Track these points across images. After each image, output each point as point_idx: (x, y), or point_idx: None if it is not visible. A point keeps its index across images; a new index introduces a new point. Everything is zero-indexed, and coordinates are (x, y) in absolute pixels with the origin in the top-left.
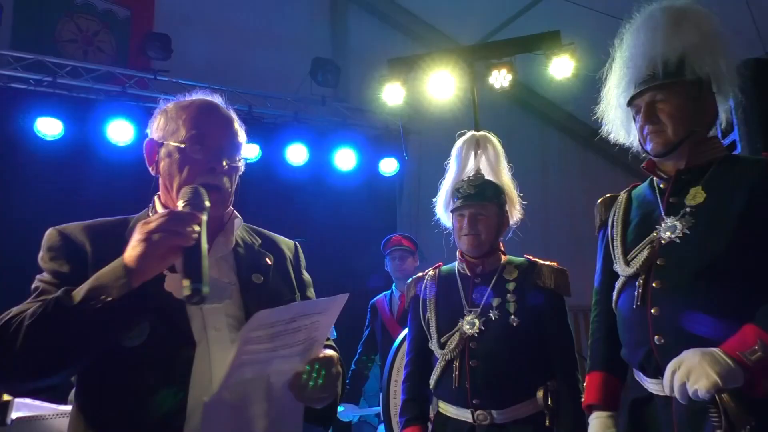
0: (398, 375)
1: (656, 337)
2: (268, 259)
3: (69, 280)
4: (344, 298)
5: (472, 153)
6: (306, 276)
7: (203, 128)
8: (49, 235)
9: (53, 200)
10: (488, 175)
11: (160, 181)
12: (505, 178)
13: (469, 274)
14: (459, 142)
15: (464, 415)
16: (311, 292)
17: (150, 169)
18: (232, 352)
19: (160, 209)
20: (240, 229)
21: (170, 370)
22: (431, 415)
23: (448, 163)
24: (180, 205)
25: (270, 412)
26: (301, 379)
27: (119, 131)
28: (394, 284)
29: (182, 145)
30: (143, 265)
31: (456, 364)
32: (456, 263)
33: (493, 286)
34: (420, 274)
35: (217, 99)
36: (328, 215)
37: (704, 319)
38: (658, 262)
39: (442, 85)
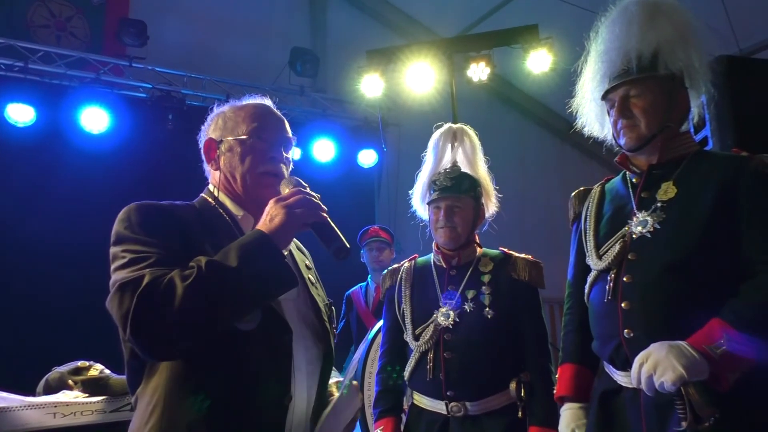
0: (372, 367)
1: (626, 330)
2: (308, 261)
3: (180, 252)
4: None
5: (449, 145)
6: None
7: (263, 122)
8: (138, 208)
9: (25, 188)
10: (465, 168)
11: (219, 175)
12: (482, 171)
13: (444, 266)
14: (436, 134)
15: (438, 406)
16: None
17: (209, 166)
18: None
19: (227, 202)
20: None
21: (275, 354)
22: (405, 406)
23: (425, 155)
24: (288, 190)
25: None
26: None
27: (93, 119)
28: (369, 276)
29: (245, 137)
30: (286, 235)
31: (430, 355)
32: (432, 255)
33: (468, 279)
34: (396, 265)
35: (268, 101)
36: None
37: (673, 314)
38: (629, 257)
39: (420, 77)
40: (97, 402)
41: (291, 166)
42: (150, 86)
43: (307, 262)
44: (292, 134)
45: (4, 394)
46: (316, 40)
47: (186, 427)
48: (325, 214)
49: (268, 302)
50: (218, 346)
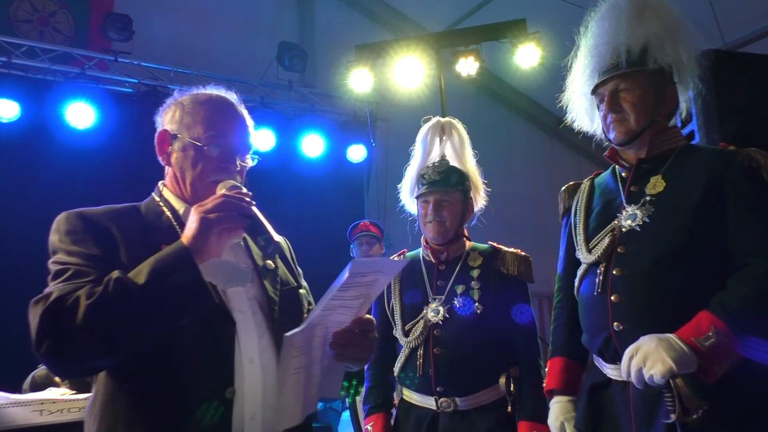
0: None
1: (615, 323)
2: (272, 247)
3: (104, 262)
4: (404, 263)
5: (437, 139)
6: (298, 268)
7: (220, 128)
8: (68, 218)
9: (9, 184)
10: (453, 162)
11: (170, 170)
12: (470, 165)
13: (433, 261)
14: (424, 128)
15: (428, 402)
16: (304, 283)
17: (160, 158)
18: (326, 297)
19: (171, 199)
20: None
21: (216, 348)
22: (395, 402)
23: (414, 149)
24: (225, 192)
25: (323, 360)
26: (345, 338)
27: (78, 114)
28: None
29: (199, 144)
30: (203, 244)
31: (420, 351)
32: (421, 250)
33: (458, 273)
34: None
35: (232, 96)
36: (295, 202)
37: (662, 306)
38: (618, 250)
39: (409, 71)
40: (84, 399)
41: (252, 164)
42: (136, 81)
43: (273, 249)
44: (277, 129)
45: None
46: (304, 35)
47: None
48: (255, 209)
49: (184, 320)
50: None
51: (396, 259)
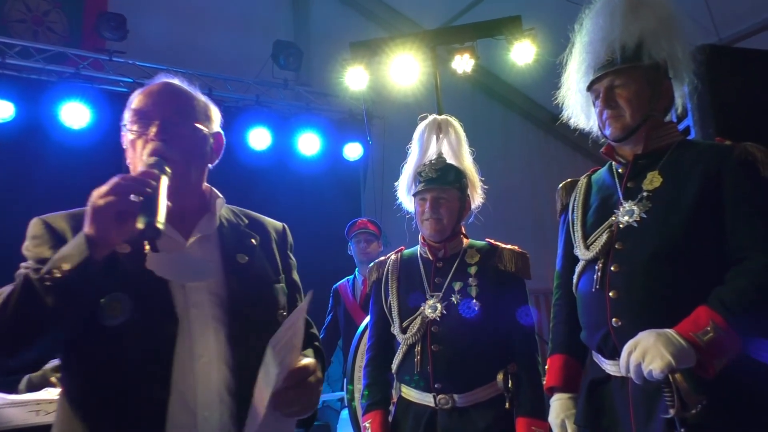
0: (362, 361)
1: (614, 319)
2: (253, 240)
3: None
4: (310, 297)
5: (434, 137)
6: (292, 258)
7: (144, 105)
8: (33, 224)
9: (4, 185)
10: (450, 159)
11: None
12: (467, 162)
13: (431, 258)
14: (421, 126)
15: (426, 399)
16: (296, 275)
17: (126, 160)
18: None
19: None
20: (225, 210)
21: (153, 348)
22: (393, 399)
23: (410, 147)
24: (140, 169)
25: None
26: (281, 399)
27: (73, 114)
28: (356, 269)
29: (126, 132)
30: (99, 231)
31: (418, 348)
32: (418, 247)
33: (455, 271)
34: (382, 258)
35: (176, 80)
36: (291, 201)
37: (660, 302)
38: (616, 246)
39: (405, 69)
40: None
41: (207, 140)
42: (131, 80)
43: (252, 241)
44: (272, 128)
45: None
46: (299, 33)
47: None
48: (161, 188)
49: (87, 309)
50: (87, 345)
51: (393, 257)
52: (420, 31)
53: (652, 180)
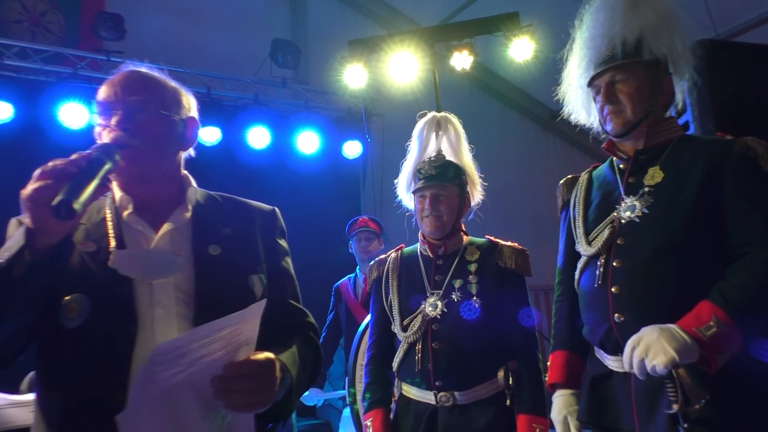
0: (363, 360)
1: (616, 315)
2: (229, 228)
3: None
4: (260, 307)
5: (434, 134)
6: (282, 244)
7: (105, 96)
8: (11, 224)
9: (4, 185)
10: (449, 156)
11: None
12: (466, 159)
13: (431, 255)
14: (420, 123)
15: (427, 397)
16: (287, 262)
17: None
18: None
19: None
20: (203, 197)
21: (111, 350)
22: (395, 397)
23: (410, 145)
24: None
25: (210, 416)
26: (219, 385)
27: (72, 114)
28: (358, 267)
29: (92, 116)
30: (35, 220)
31: (419, 346)
32: (418, 245)
33: (455, 268)
34: (382, 256)
35: (142, 68)
36: (291, 199)
37: (662, 297)
38: (618, 242)
39: (403, 66)
40: None
41: (173, 126)
42: None
43: (228, 231)
44: (271, 127)
45: None
46: (297, 32)
47: None
48: (75, 169)
49: (31, 306)
50: (49, 348)
51: (393, 254)
52: (418, 28)
53: (654, 175)
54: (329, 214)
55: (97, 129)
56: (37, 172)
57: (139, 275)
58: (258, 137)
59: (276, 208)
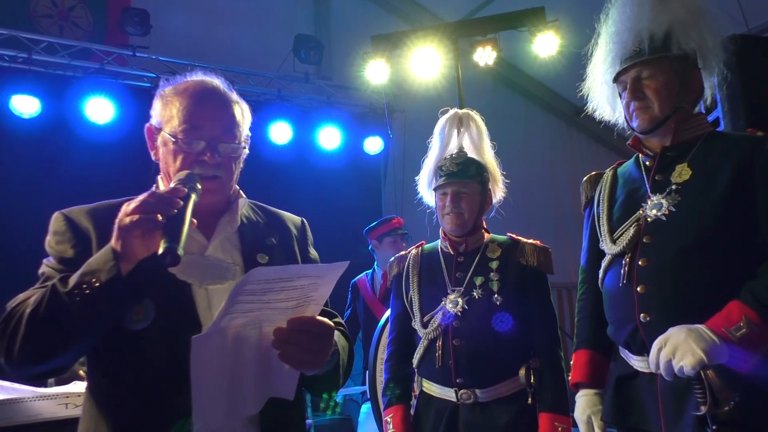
0: (383, 355)
1: (642, 314)
2: (273, 239)
3: (73, 264)
4: (344, 266)
5: (455, 131)
6: (313, 253)
7: (196, 120)
8: (55, 219)
9: (31, 180)
10: (471, 153)
11: (160, 165)
12: (488, 156)
13: (452, 252)
14: (442, 120)
15: (448, 394)
16: None
17: (151, 154)
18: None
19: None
20: (245, 207)
21: (176, 352)
22: (415, 393)
23: (431, 141)
24: (171, 186)
25: (262, 362)
26: (279, 335)
27: (98, 109)
28: (375, 263)
29: (174, 138)
30: (126, 247)
31: (439, 343)
32: (439, 242)
33: (477, 265)
34: (402, 253)
35: (216, 80)
36: (312, 195)
37: (690, 297)
38: (644, 240)
39: (426, 62)
40: None
41: (244, 152)
42: (154, 75)
43: (273, 240)
44: (293, 122)
45: (16, 386)
46: (320, 27)
47: None
48: (188, 208)
49: (112, 322)
50: (111, 349)
51: (414, 251)
52: (441, 23)
53: (681, 173)
54: (350, 209)
55: (171, 145)
56: (133, 204)
57: (196, 281)
58: (280, 132)
59: (305, 219)
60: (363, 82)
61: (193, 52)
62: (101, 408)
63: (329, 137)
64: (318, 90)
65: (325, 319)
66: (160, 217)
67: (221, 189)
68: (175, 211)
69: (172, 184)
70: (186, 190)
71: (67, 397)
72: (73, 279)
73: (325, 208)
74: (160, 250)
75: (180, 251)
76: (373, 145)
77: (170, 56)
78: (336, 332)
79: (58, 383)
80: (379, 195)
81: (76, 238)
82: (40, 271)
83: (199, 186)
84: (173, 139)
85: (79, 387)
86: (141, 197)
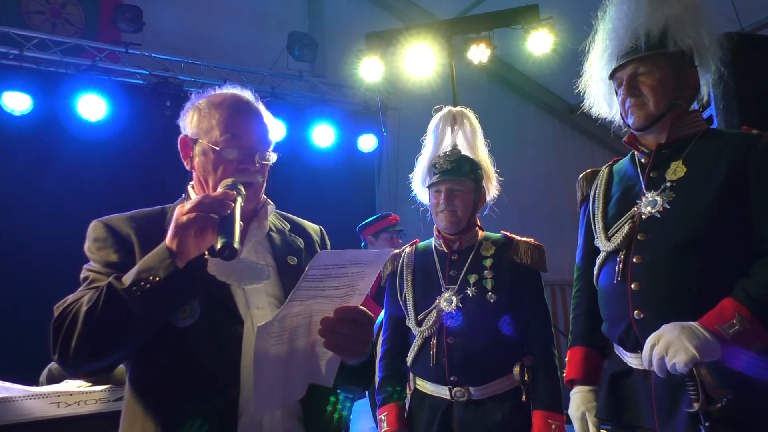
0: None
1: (636, 311)
2: (299, 243)
3: (118, 268)
4: (389, 253)
5: (449, 128)
6: None
7: (237, 129)
8: (95, 227)
9: (22, 177)
10: (465, 151)
11: (195, 174)
12: (482, 154)
13: (446, 250)
14: (436, 118)
15: (442, 391)
16: None
17: (185, 163)
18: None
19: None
20: (271, 215)
21: (223, 348)
22: (409, 391)
23: (425, 139)
24: (219, 191)
25: (310, 349)
26: (326, 324)
27: (90, 106)
28: None
29: (217, 148)
30: (181, 244)
31: (433, 341)
32: (433, 240)
33: (470, 263)
34: (396, 251)
35: (248, 94)
36: (306, 192)
37: (683, 294)
38: (638, 237)
39: (420, 59)
40: (101, 391)
41: (273, 161)
42: (147, 73)
43: (299, 244)
44: (287, 120)
45: (7, 384)
46: (314, 24)
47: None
48: (237, 209)
49: (170, 317)
50: (158, 346)
51: (408, 249)
52: (436, 21)
53: (676, 170)
54: (344, 207)
55: (212, 155)
56: (189, 205)
57: (234, 281)
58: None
59: (323, 228)
60: (357, 79)
61: (186, 49)
62: (148, 405)
63: (323, 135)
64: (312, 88)
65: (367, 309)
66: (215, 216)
67: (257, 195)
68: (228, 212)
69: (219, 189)
70: (235, 193)
71: (59, 396)
72: (129, 276)
73: (319, 206)
74: (218, 245)
75: (236, 245)
76: (367, 142)
77: (163, 53)
78: None
79: (50, 382)
80: (372, 193)
81: (118, 243)
82: (83, 276)
83: (243, 191)
84: (215, 148)
85: (71, 386)
86: (195, 199)
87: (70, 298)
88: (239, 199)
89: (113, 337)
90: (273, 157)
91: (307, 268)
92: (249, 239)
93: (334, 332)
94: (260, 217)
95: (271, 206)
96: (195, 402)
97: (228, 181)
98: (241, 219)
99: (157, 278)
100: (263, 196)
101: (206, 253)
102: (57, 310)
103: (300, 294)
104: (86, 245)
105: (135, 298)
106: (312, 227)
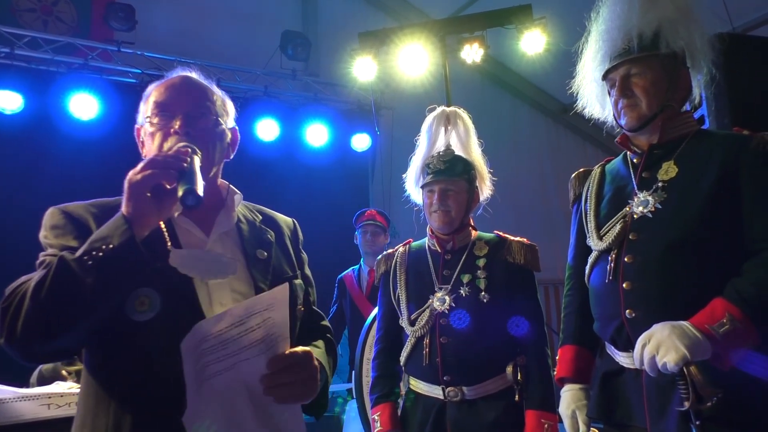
0: (370, 352)
1: (627, 311)
2: (269, 236)
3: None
4: (285, 290)
5: (443, 128)
6: (304, 254)
7: (165, 98)
8: (52, 214)
9: (13, 177)
10: (458, 151)
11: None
12: (476, 154)
13: (439, 250)
14: (429, 118)
15: (435, 391)
16: (307, 270)
17: (141, 153)
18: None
19: None
20: (240, 206)
21: (179, 345)
22: (402, 391)
23: (419, 139)
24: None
25: (262, 414)
26: (267, 381)
27: (82, 105)
28: (362, 259)
29: (148, 116)
30: (137, 208)
31: (426, 340)
32: (426, 240)
33: (464, 263)
34: (390, 250)
35: (194, 73)
36: (299, 192)
37: (675, 293)
38: (630, 237)
39: (413, 59)
40: None
41: (225, 136)
42: (139, 71)
43: (269, 237)
44: (280, 119)
45: None
46: (307, 23)
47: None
48: (196, 162)
49: (125, 293)
50: (114, 339)
51: (401, 249)
52: (429, 20)
53: (668, 170)
54: (337, 206)
55: (150, 128)
56: (141, 164)
57: (198, 274)
58: (267, 129)
59: (296, 221)
60: (350, 79)
61: (179, 48)
62: (99, 401)
63: (316, 134)
64: (305, 87)
65: (298, 348)
66: (172, 172)
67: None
68: (185, 165)
69: (175, 148)
70: (189, 150)
71: (50, 397)
72: (82, 248)
73: (313, 205)
74: (180, 193)
75: (200, 191)
76: (361, 142)
77: (156, 52)
78: (319, 351)
79: (40, 383)
80: (366, 192)
81: (77, 230)
82: (39, 261)
83: (199, 151)
84: (148, 117)
85: (62, 387)
86: (148, 158)
87: (22, 278)
88: (196, 157)
89: (63, 313)
90: (216, 127)
91: (183, 347)
92: (215, 230)
93: (277, 386)
94: (228, 207)
95: (238, 196)
96: (145, 401)
97: (181, 144)
98: (203, 209)
99: (111, 245)
100: (222, 181)
101: (168, 243)
102: (7, 291)
103: (208, 372)
104: (42, 233)
105: (87, 268)
106: (284, 220)
